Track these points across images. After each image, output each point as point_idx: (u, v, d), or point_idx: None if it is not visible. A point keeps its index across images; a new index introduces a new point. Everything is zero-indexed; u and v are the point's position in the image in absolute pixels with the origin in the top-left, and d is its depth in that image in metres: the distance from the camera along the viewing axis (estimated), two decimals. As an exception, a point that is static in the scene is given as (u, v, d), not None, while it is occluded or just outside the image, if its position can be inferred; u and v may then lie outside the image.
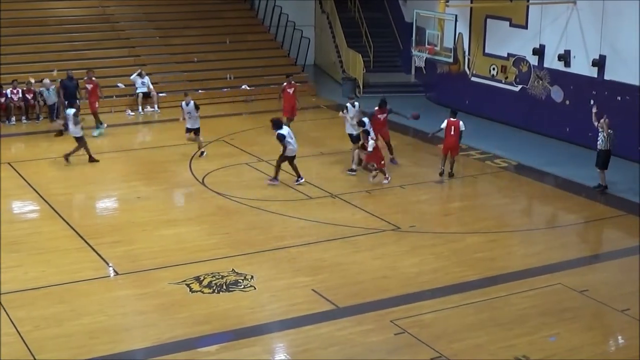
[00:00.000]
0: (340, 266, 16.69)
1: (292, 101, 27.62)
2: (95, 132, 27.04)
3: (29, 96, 29.43)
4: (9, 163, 23.74)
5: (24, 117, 29.38)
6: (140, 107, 30.89)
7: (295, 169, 21.99)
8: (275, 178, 21.89)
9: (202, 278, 15.84)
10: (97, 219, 20.14)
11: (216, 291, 15.36)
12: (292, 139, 21.84)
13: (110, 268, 16.57)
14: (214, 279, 15.83)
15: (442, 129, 23.08)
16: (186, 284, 15.61)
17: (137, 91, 31.04)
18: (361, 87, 33.92)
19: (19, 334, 13.62)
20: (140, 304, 14.98)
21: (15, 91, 29.22)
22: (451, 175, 22.92)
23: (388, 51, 37.13)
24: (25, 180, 22.13)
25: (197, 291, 15.36)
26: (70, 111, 24.04)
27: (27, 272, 16.22)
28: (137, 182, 22.07)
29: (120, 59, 33.47)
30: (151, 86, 31.31)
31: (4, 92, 29.05)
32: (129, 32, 35.19)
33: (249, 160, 24.24)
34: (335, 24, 37.67)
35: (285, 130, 21.75)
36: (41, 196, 20.79)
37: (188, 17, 36.50)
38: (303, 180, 21.91)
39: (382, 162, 22.18)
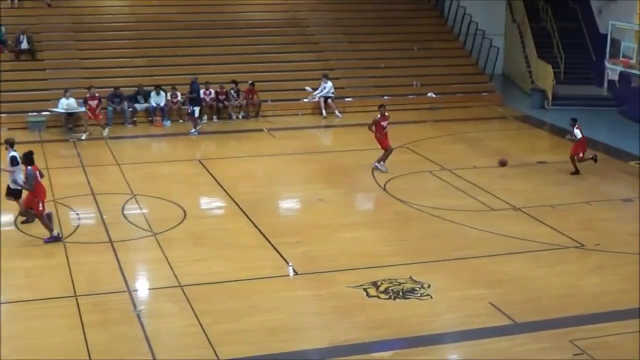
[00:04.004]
0: (519, 281, 16.30)
1: None
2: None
3: (222, 97, 30.48)
4: (199, 160, 24.59)
5: (215, 116, 30.42)
6: (323, 111, 31.32)
7: None
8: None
9: (379, 283, 15.85)
10: (280, 218, 20.56)
11: (393, 297, 15.34)
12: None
13: (290, 267, 16.85)
14: (391, 285, 15.81)
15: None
16: (363, 288, 15.66)
17: (321, 94, 31.56)
18: (550, 99, 33.12)
19: (201, 325, 14.06)
20: (318, 305, 15.15)
21: (207, 92, 30.32)
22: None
23: (579, 63, 36.17)
24: (213, 177, 22.85)
25: (374, 296, 15.38)
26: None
27: (211, 267, 16.75)
28: (319, 185, 22.34)
29: (308, 63, 34.06)
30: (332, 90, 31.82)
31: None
32: (318, 37, 35.80)
33: (432, 168, 24.09)
34: (525, 34, 36.98)
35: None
36: (228, 194, 21.40)
37: (377, 23, 36.74)
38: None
39: (41, 208, 17.85)
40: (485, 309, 14.98)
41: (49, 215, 18.25)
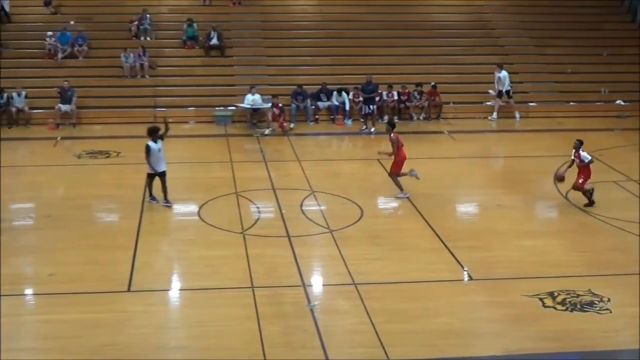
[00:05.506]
0: None
1: None
2: None
3: (404, 97, 30.68)
4: (378, 160, 24.70)
5: (396, 117, 30.60)
6: (494, 113, 31.04)
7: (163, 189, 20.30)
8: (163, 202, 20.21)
9: (556, 294, 15.46)
10: (456, 221, 20.40)
11: (569, 309, 14.93)
12: (158, 156, 20.04)
13: (465, 272, 16.69)
14: (569, 296, 15.39)
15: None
16: (539, 298, 15.32)
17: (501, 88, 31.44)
18: None
19: (373, 324, 14.13)
20: (491, 312, 14.94)
21: (390, 94, 30.59)
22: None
23: None
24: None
25: (549, 307, 15.02)
26: None
27: (387, 266, 16.82)
28: (498, 190, 22.03)
29: (493, 66, 33.58)
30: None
31: (379, 92, 30.46)
32: (503, 39, 35.37)
33: (617, 178, 23.29)
34: None
35: (155, 145, 19.96)
36: (406, 195, 21.46)
37: (564, 27, 35.94)
38: (161, 203, 20.18)
39: None
40: (668, 327, 14.38)
41: None
